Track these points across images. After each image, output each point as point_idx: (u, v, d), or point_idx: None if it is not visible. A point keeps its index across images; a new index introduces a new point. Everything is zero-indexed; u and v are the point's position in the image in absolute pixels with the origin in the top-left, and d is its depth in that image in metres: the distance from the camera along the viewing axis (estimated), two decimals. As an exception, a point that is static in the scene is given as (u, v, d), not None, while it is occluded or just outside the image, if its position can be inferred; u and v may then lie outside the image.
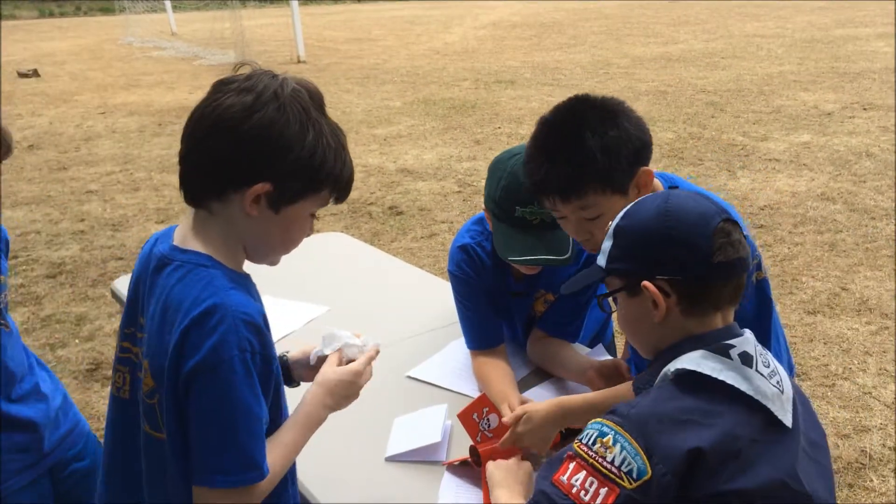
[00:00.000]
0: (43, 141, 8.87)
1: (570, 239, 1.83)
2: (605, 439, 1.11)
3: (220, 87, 1.22)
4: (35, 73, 13.61)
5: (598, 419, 1.16)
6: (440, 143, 8.12)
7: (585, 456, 1.12)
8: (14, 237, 5.78)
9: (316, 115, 1.23)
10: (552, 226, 1.80)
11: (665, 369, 1.19)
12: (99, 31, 20.72)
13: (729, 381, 1.14)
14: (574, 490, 1.11)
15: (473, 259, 2.03)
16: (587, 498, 1.09)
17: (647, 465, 1.07)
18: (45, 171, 7.56)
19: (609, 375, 1.86)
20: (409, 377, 2.08)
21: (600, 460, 1.10)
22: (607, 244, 1.27)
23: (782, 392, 1.18)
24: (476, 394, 1.97)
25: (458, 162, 7.33)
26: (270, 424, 1.30)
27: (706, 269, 1.17)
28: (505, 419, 1.68)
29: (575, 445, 1.16)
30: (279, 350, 1.41)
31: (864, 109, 8.59)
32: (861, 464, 2.96)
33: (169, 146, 8.30)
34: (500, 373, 1.98)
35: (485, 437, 1.62)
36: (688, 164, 6.83)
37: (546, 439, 1.66)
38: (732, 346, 1.18)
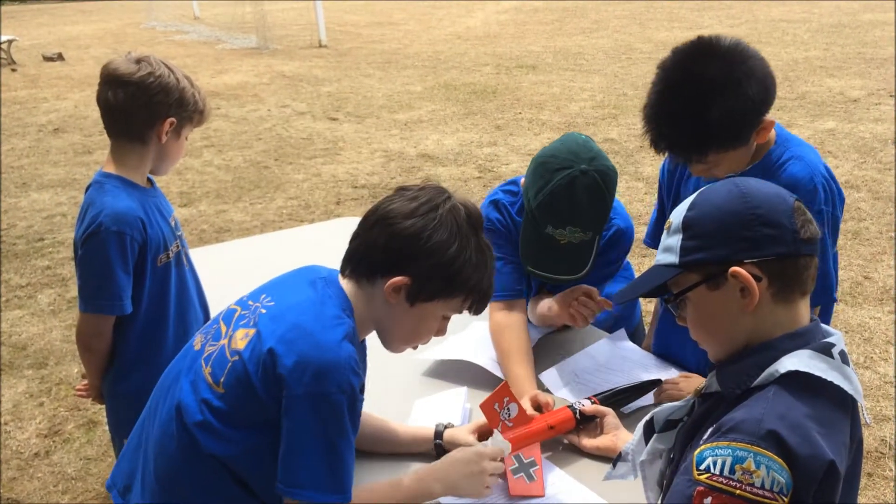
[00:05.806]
0: (68, 125, 8.96)
1: (591, 258, 1.91)
2: (744, 465, 1.03)
3: (399, 190, 1.46)
4: (60, 57, 13.72)
5: (720, 443, 1.07)
6: (461, 128, 8.11)
7: (726, 487, 1.04)
8: (40, 220, 5.87)
9: (467, 231, 1.42)
10: (577, 247, 1.87)
11: (772, 369, 1.12)
12: (122, 15, 20.86)
13: (836, 383, 1.10)
14: None
15: (503, 213, 2.09)
16: None
17: (790, 475, 1.02)
18: (71, 155, 7.65)
19: (578, 297, 1.96)
20: (429, 359, 2.08)
21: (748, 488, 1.02)
22: (673, 240, 1.19)
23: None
24: (493, 368, 2.00)
25: (478, 147, 7.32)
26: None
27: (796, 245, 1.13)
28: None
29: (704, 479, 1.06)
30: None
31: (891, 96, 8.46)
32: (881, 453, 2.95)
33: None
34: (518, 345, 1.99)
35: (505, 426, 1.64)
36: (710, 151, 6.78)
37: None
38: (833, 345, 1.13)
